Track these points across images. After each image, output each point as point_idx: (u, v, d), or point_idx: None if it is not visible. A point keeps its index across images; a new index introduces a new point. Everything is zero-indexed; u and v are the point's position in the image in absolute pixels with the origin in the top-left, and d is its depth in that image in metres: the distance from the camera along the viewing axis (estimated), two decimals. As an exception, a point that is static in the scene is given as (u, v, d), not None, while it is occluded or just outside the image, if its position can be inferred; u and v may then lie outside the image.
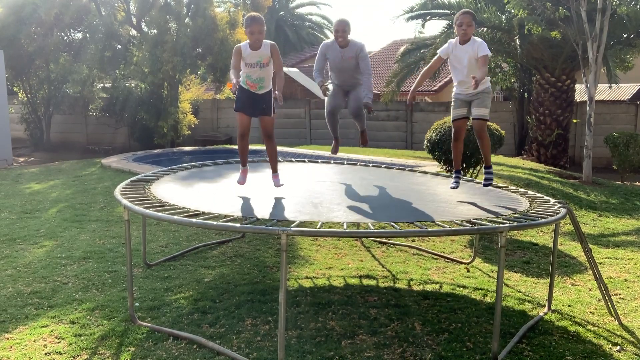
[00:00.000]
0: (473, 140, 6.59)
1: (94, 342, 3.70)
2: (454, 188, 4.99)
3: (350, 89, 5.55)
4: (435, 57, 4.86)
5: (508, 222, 3.83)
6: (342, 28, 5.31)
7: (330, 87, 5.61)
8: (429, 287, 4.87)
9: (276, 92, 4.47)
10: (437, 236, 6.29)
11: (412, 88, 5.00)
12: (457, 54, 4.66)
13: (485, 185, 5.01)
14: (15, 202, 8.18)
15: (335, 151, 5.99)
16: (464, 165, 8.18)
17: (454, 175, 5.10)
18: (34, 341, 3.70)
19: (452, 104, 4.88)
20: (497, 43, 13.49)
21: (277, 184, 4.78)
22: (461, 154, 5.02)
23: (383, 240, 6.24)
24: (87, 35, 17.09)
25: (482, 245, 6.19)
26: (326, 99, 5.60)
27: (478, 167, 8.33)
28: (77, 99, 18.04)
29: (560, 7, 10.49)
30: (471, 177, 7.52)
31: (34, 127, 18.66)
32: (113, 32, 16.35)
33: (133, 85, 17.70)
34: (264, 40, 4.48)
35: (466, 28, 4.55)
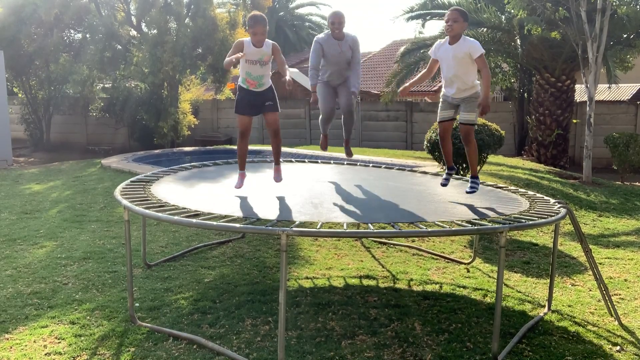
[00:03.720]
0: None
1: (94, 342, 3.70)
2: (443, 185, 4.96)
3: (338, 84, 5.55)
4: (431, 58, 4.78)
5: (508, 222, 3.83)
6: (339, 20, 5.34)
7: (318, 89, 5.57)
8: (429, 287, 4.86)
9: (285, 78, 4.41)
10: (437, 236, 6.28)
11: (409, 82, 4.93)
12: (445, 54, 4.53)
13: (468, 192, 4.81)
14: (15, 202, 8.18)
15: (324, 147, 6.00)
16: (464, 165, 8.18)
17: (445, 172, 5.04)
18: (34, 341, 3.70)
19: (440, 104, 4.78)
20: (497, 43, 13.50)
21: (278, 178, 4.79)
22: (451, 152, 4.90)
23: (383, 240, 6.24)
24: (87, 35, 17.10)
25: (482, 245, 6.19)
26: (320, 102, 5.59)
27: (479, 168, 8.33)
28: (77, 100, 18.05)
29: (560, 8, 10.50)
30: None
31: (34, 127, 18.66)
32: (113, 32, 16.35)
33: (133, 85, 17.70)
34: (266, 40, 4.50)
35: (452, 24, 4.38)
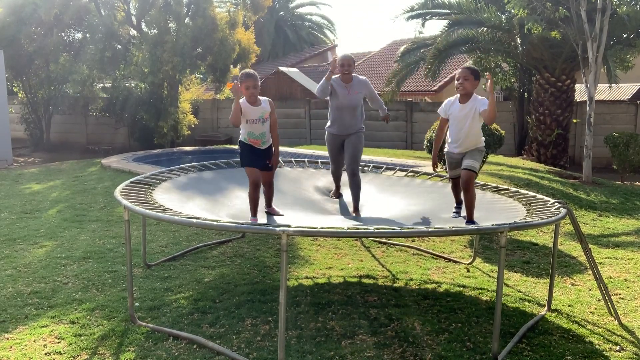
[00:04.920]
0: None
1: (94, 342, 3.70)
2: (455, 217, 4.74)
3: (347, 138, 5.37)
4: (441, 117, 4.67)
5: (508, 222, 3.83)
6: (348, 62, 5.18)
7: (327, 140, 5.48)
8: (429, 287, 4.86)
9: (268, 162, 4.60)
10: (437, 236, 6.29)
11: (432, 154, 4.84)
12: (455, 113, 4.45)
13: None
14: (15, 202, 8.18)
15: (336, 196, 5.67)
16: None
17: (455, 206, 4.83)
18: (34, 341, 3.70)
19: (446, 161, 4.68)
20: (497, 43, 13.49)
21: (278, 213, 4.80)
22: (461, 191, 4.69)
23: (383, 240, 6.24)
24: (87, 35, 17.10)
25: (482, 245, 6.19)
26: (330, 155, 5.51)
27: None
28: (77, 99, 18.05)
29: (560, 7, 10.49)
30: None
31: (34, 127, 18.66)
32: (113, 32, 16.35)
33: (133, 85, 17.70)
34: (260, 97, 4.55)
35: (463, 82, 4.32)
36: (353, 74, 5.27)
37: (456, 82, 4.39)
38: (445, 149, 4.73)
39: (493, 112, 4.27)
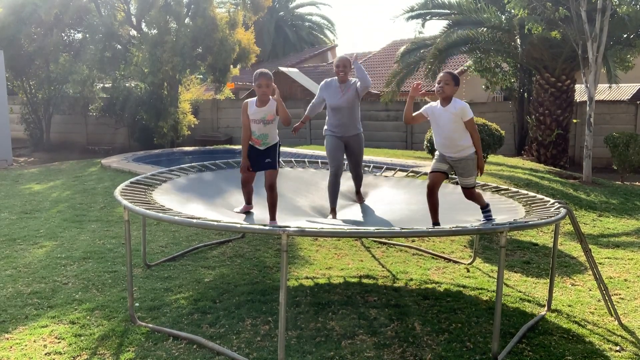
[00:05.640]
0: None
1: (94, 342, 3.70)
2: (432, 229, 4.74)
3: (349, 141, 5.47)
4: (420, 110, 4.63)
5: (508, 222, 3.83)
6: (343, 63, 5.38)
7: (327, 142, 5.52)
8: (429, 287, 4.86)
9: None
10: (437, 236, 6.29)
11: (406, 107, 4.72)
12: (437, 117, 4.49)
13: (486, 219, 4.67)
14: (15, 202, 8.18)
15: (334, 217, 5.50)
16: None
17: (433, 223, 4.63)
18: (34, 341, 3.70)
19: (435, 157, 4.64)
20: (497, 43, 13.49)
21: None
22: (437, 207, 4.54)
23: (383, 240, 6.24)
24: (87, 35, 17.10)
25: (482, 245, 6.19)
26: (328, 155, 5.50)
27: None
28: (77, 99, 18.04)
29: (560, 7, 10.50)
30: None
31: (34, 127, 18.66)
32: (113, 32, 16.35)
33: (133, 85, 17.70)
34: (272, 98, 4.59)
35: (443, 85, 4.38)
36: (351, 78, 5.42)
37: (437, 85, 4.44)
38: (436, 152, 4.69)
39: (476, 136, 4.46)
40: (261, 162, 4.71)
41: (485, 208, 4.66)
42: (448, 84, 4.40)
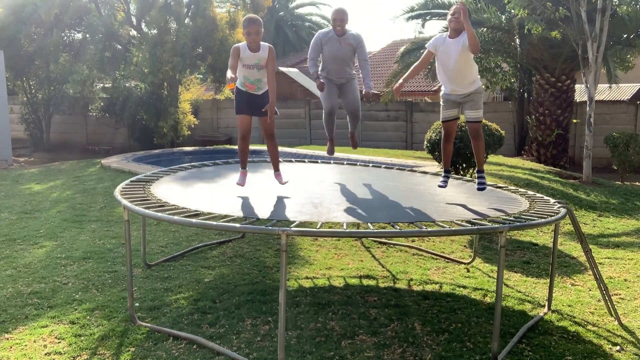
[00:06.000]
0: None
1: (94, 342, 3.70)
2: (441, 187, 4.95)
3: (343, 83, 5.55)
4: (425, 51, 4.65)
5: (508, 222, 3.83)
6: (341, 17, 5.34)
7: (323, 113, 5.62)
8: (429, 287, 4.86)
9: (265, 108, 4.48)
10: (437, 236, 6.28)
11: (402, 78, 4.77)
12: (446, 49, 4.47)
13: (479, 189, 4.88)
14: (15, 202, 8.18)
15: (331, 152, 5.97)
16: (464, 165, 8.18)
17: (443, 174, 5.06)
18: (34, 341, 3.70)
19: (442, 104, 4.72)
20: (497, 43, 13.49)
21: (281, 181, 4.84)
22: (451, 154, 4.92)
23: (383, 240, 6.24)
24: (87, 35, 17.12)
25: (482, 245, 6.19)
26: (322, 97, 5.59)
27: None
28: (77, 99, 18.05)
29: (560, 7, 10.49)
30: (471, 177, 7.51)
31: (34, 127, 18.66)
32: (113, 32, 16.36)
33: (133, 85, 17.71)
34: (262, 43, 4.51)
35: (458, 16, 4.33)
36: (348, 29, 5.40)
37: (452, 17, 4.40)
38: (441, 93, 4.74)
39: (473, 38, 4.26)
40: (259, 106, 4.57)
41: (481, 172, 4.80)
42: (465, 15, 4.31)
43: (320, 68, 5.57)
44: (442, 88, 4.74)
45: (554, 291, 4.55)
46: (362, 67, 5.49)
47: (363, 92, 5.45)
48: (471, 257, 5.70)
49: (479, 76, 4.61)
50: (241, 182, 4.70)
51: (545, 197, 4.89)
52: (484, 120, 9.14)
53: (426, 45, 4.67)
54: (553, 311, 4.36)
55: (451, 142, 4.84)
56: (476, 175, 4.94)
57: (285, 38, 34.62)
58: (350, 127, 5.81)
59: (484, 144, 4.72)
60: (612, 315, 4.27)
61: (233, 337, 3.77)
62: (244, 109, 4.60)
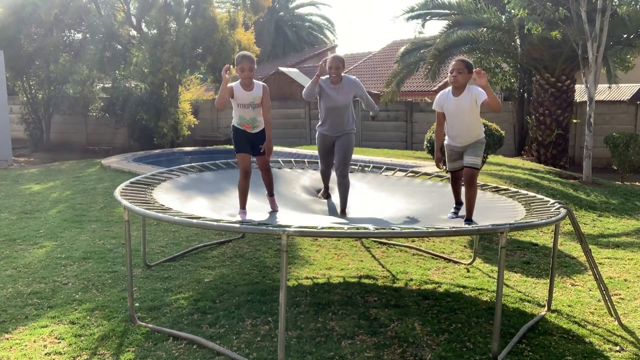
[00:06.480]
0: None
1: (94, 342, 3.70)
2: (452, 218, 4.68)
3: (337, 138, 5.27)
4: (436, 110, 4.64)
5: (508, 222, 3.83)
6: (336, 65, 5.04)
7: (318, 140, 5.40)
8: (429, 287, 4.86)
9: (261, 146, 4.52)
10: (437, 236, 6.28)
11: (435, 149, 4.75)
12: (450, 106, 4.42)
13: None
14: (15, 202, 8.18)
15: (325, 197, 5.62)
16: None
17: (454, 206, 4.80)
18: (34, 341, 3.70)
19: (447, 153, 4.66)
20: (497, 43, 13.49)
21: (275, 208, 4.82)
22: (460, 189, 4.72)
23: (383, 240, 6.24)
24: (87, 35, 17.12)
25: (482, 245, 6.19)
26: (319, 155, 5.42)
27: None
28: (77, 99, 18.06)
29: (560, 7, 10.50)
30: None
31: (34, 127, 18.67)
32: (113, 32, 16.36)
33: (133, 85, 17.71)
34: (256, 81, 4.50)
35: (456, 75, 4.28)
36: (343, 74, 5.15)
37: (450, 74, 4.36)
38: (445, 142, 4.71)
39: (494, 99, 4.18)
40: (256, 145, 4.59)
41: (457, 205, 4.73)
42: (462, 73, 4.29)
43: (319, 122, 5.37)
44: (447, 138, 4.67)
45: (554, 291, 4.55)
46: (365, 99, 5.32)
47: (370, 114, 5.44)
48: (471, 257, 5.70)
49: (483, 128, 4.56)
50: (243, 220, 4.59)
51: (545, 198, 4.89)
52: (484, 120, 9.17)
53: (433, 107, 4.65)
54: (553, 311, 4.36)
55: (459, 183, 4.72)
56: (464, 221, 4.60)
57: (285, 38, 34.61)
58: (340, 202, 5.15)
59: (476, 193, 4.47)
60: (612, 315, 4.28)
61: (233, 337, 3.77)
62: (245, 148, 4.57)
